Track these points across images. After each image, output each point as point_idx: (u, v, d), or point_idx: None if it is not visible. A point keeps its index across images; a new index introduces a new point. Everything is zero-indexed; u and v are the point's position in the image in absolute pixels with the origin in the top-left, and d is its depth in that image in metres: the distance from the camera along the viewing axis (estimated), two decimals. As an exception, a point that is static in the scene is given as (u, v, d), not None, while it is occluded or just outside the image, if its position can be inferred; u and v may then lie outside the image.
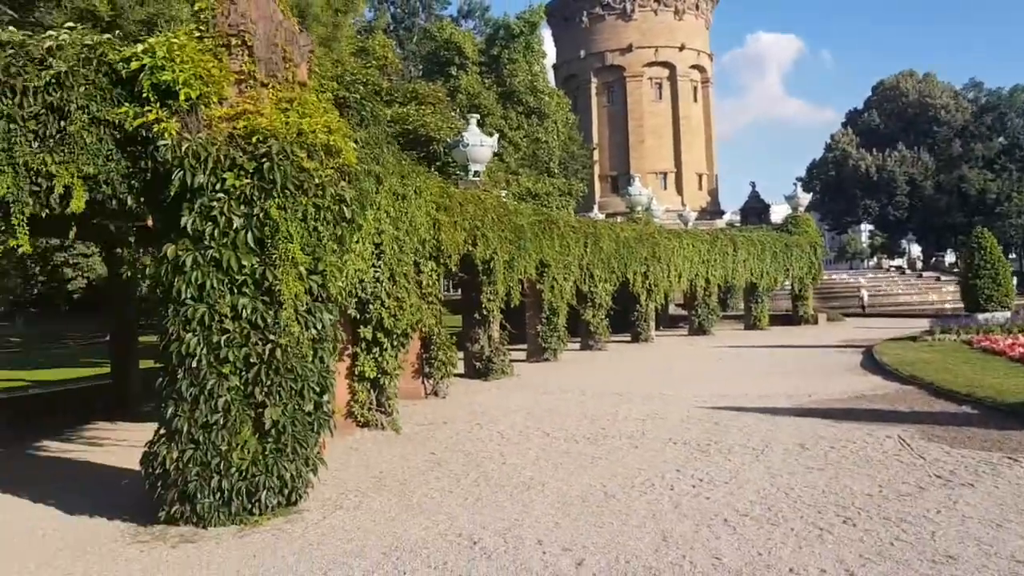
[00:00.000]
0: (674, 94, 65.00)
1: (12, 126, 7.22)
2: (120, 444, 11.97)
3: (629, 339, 27.36)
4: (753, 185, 65.68)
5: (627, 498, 7.80)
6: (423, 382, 15.57)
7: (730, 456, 9.49)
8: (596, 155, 59.14)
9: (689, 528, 6.80)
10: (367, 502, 8.05)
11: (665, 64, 64.87)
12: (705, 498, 7.73)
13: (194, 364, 7.37)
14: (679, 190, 64.15)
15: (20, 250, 7.45)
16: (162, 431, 7.67)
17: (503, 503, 7.77)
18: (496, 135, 22.70)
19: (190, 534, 7.21)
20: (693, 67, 66.19)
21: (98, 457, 11.06)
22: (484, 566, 5.98)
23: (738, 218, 65.91)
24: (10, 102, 7.23)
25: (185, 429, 7.38)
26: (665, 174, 64.36)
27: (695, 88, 66.65)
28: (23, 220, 7.38)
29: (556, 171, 40.09)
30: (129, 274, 8.16)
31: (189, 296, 7.40)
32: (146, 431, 13.28)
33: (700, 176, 66.22)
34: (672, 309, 37.18)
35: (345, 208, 8.09)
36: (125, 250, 8.10)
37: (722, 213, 68.39)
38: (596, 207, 53.70)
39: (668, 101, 65.01)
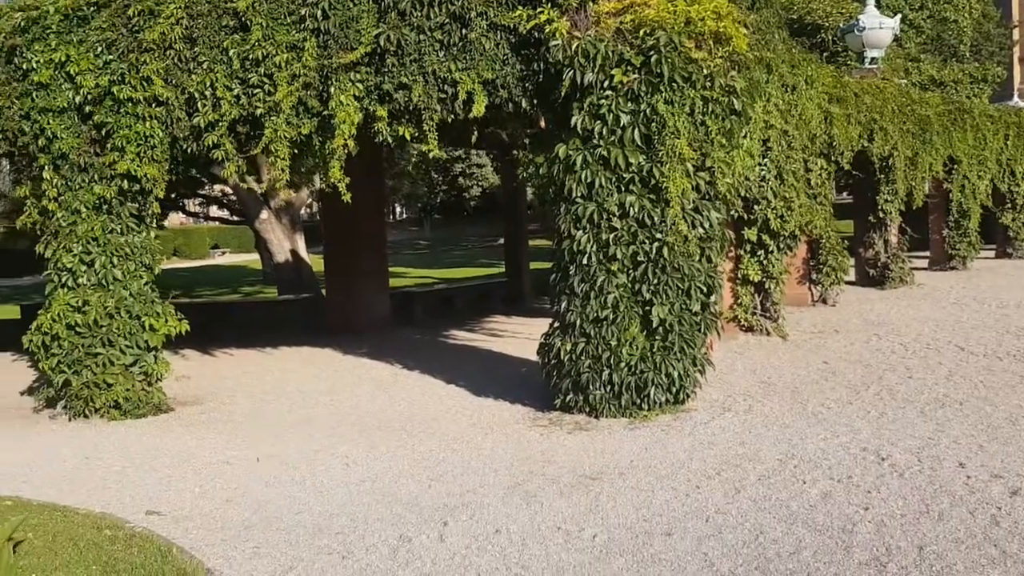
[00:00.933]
0: None
1: (421, 37, 7.75)
2: (515, 336, 12.90)
3: (1059, 246, 23.39)
4: None
5: (1072, 426, 6.62)
6: (809, 288, 14.68)
7: None
8: (1016, 34, 50.66)
9: None
10: (757, 407, 7.76)
11: (1117, -88, 52.89)
12: None
13: (584, 261, 7.52)
14: None
15: (431, 155, 8.10)
16: (556, 324, 8.01)
17: (913, 420, 7.01)
18: (897, 16, 20.23)
19: (584, 422, 7.50)
20: None
21: (497, 346, 12.02)
22: (895, 484, 5.42)
23: None
24: (419, 14, 7.75)
25: (577, 323, 7.61)
26: (1111, 50, 53.23)
27: None
28: (433, 127, 7.97)
29: (967, 55, 35.04)
30: (524, 175, 8.52)
31: (579, 195, 7.52)
32: (537, 325, 14.16)
33: None
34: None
35: (735, 100, 7.61)
36: (520, 152, 8.44)
37: None
38: (1016, 94, 46.14)
39: (1119, -42, 53.19)
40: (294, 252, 19.77)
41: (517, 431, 7.43)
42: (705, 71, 7.42)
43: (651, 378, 7.48)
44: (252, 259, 36.86)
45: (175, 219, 43.81)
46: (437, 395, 9.08)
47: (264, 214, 19.60)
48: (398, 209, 70.46)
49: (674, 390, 7.64)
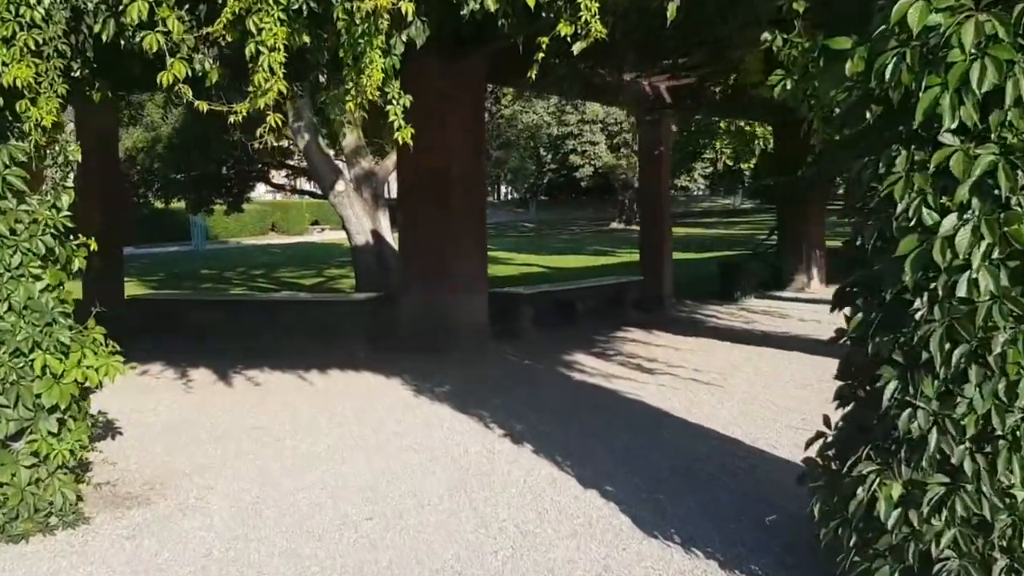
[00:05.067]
0: None
1: None
2: (673, 371, 8.55)
3: None
4: None
5: None
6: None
7: None
8: None
9: None
10: None
11: None
12: None
13: (959, 288, 3.04)
14: None
15: (573, 47, 3.75)
16: (856, 427, 3.57)
17: None
18: None
19: None
20: None
21: (652, 394, 7.64)
22: None
23: None
24: None
25: (933, 438, 3.15)
26: None
27: None
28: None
29: None
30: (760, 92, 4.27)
31: (949, 127, 3.03)
32: (698, 350, 9.48)
33: None
34: None
35: None
36: (770, 40, 3.91)
37: None
38: None
39: None
40: (376, 233, 15.74)
41: None
42: None
43: (1124, 589, 2.97)
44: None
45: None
46: (561, 528, 4.76)
47: (340, 185, 15.59)
48: (503, 189, 66.62)
49: None
